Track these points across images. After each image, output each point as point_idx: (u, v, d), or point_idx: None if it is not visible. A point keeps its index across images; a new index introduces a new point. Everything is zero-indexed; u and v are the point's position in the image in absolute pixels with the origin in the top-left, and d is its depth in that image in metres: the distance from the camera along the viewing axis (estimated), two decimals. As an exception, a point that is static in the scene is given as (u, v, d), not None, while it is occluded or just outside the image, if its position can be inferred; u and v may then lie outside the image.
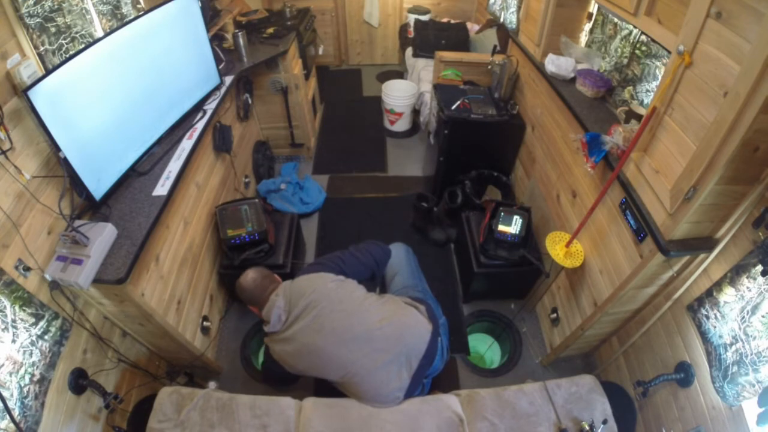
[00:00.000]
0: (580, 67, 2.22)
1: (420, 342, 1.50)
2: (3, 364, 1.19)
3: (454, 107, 2.55)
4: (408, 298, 1.64)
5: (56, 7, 1.53)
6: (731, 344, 1.28)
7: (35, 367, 1.30)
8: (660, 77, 1.77)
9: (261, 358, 2.15)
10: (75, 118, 1.46)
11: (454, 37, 3.71)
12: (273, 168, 3.39)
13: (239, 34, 2.61)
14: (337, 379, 1.46)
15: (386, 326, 1.46)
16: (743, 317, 1.24)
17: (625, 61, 2.05)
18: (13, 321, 1.24)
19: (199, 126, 2.13)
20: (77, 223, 1.47)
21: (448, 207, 2.72)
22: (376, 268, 1.74)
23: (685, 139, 1.29)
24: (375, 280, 1.84)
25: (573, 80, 2.21)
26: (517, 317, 2.42)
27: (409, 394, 1.49)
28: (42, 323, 1.34)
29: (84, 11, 1.70)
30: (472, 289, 2.38)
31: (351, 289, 1.54)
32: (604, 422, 1.45)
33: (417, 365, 1.48)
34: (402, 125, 3.83)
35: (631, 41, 2.01)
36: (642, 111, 1.78)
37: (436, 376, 1.66)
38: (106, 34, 1.59)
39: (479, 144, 2.68)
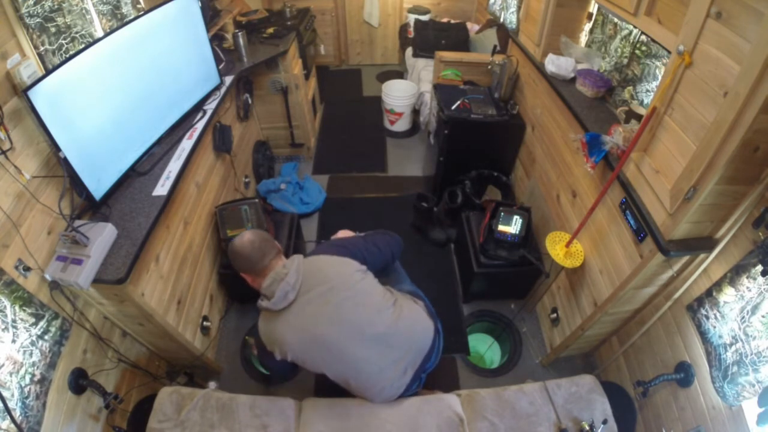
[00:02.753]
0: (580, 67, 2.22)
1: (426, 340, 1.49)
2: (3, 365, 1.19)
3: (454, 107, 2.55)
4: (408, 294, 1.60)
5: (56, 7, 1.53)
6: (731, 344, 1.28)
7: (35, 367, 1.30)
8: (660, 77, 1.77)
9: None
10: (75, 118, 1.46)
11: (454, 37, 3.71)
12: (273, 168, 3.39)
13: (239, 34, 2.61)
14: (337, 375, 1.38)
15: (401, 325, 1.41)
16: (743, 317, 1.24)
17: (625, 61, 2.05)
18: (13, 321, 1.24)
19: (199, 126, 2.13)
20: (77, 223, 1.47)
21: (448, 207, 2.72)
22: (391, 262, 1.65)
23: (685, 139, 1.29)
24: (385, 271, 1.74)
25: (573, 80, 2.21)
26: (517, 317, 2.42)
27: (407, 390, 1.48)
28: (42, 323, 1.34)
29: (84, 11, 1.70)
30: (472, 289, 2.38)
31: (373, 284, 1.43)
32: (604, 422, 1.45)
33: (420, 363, 1.47)
34: (402, 125, 3.83)
35: (631, 41, 2.01)
36: (642, 111, 1.78)
37: (431, 372, 1.64)
38: (106, 34, 1.59)
39: (479, 144, 2.68)
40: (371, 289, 1.40)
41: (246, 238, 1.37)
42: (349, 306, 1.33)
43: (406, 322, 1.44)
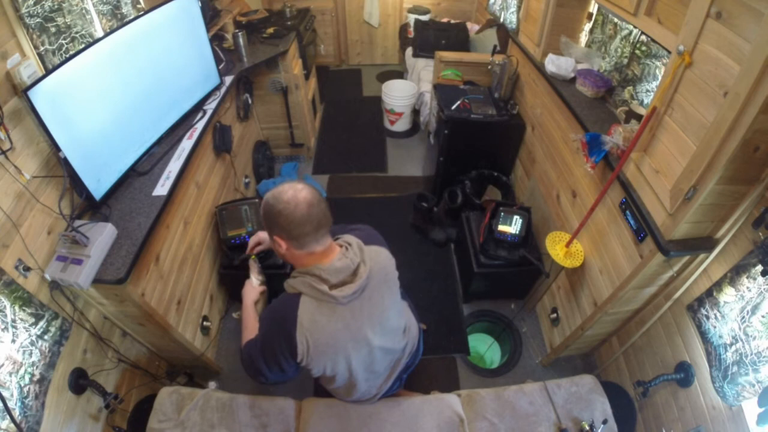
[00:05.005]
0: (580, 67, 2.22)
1: (415, 342, 1.49)
2: (3, 364, 1.19)
3: (454, 107, 2.55)
4: None
5: (56, 7, 1.53)
6: (731, 344, 1.28)
7: (35, 367, 1.30)
8: (660, 77, 1.77)
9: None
10: (75, 118, 1.46)
11: (454, 37, 3.71)
12: (273, 168, 3.39)
13: (239, 34, 2.61)
14: (346, 377, 1.26)
15: (407, 335, 1.40)
16: (743, 317, 1.24)
17: (625, 61, 2.05)
18: (13, 321, 1.24)
19: (199, 126, 2.13)
20: (77, 223, 1.47)
21: (448, 207, 2.72)
22: None
23: (685, 139, 1.29)
24: None
25: (573, 80, 2.21)
26: (517, 317, 2.42)
27: (389, 390, 1.46)
28: (42, 323, 1.34)
29: (84, 11, 1.70)
30: (472, 289, 2.38)
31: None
32: (604, 422, 1.45)
33: (404, 364, 1.45)
34: (402, 125, 3.83)
35: (631, 41, 2.01)
36: (642, 111, 1.78)
37: (424, 372, 1.61)
38: (106, 34, 1.59)
39: (479, 144, 2.68)
40: (400, 297, 1.31)
41: (303, 195, 1.01)
42: (394, 315, 1.23)
43: (410, 332, 1.43)
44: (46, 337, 1.35)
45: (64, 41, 1.58)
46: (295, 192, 1.02)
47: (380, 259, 1.18)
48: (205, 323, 2.10)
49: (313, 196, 1.03)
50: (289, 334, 1.06)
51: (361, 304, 1.11)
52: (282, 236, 1.06)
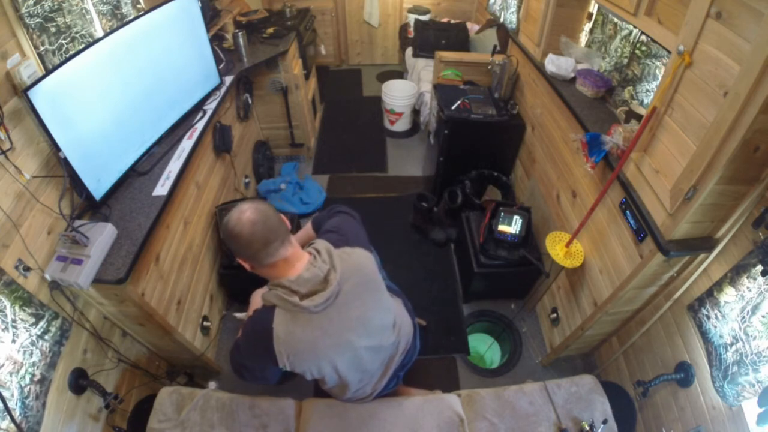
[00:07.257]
0: (580, 67, 2.22)
1: (409, 339, 1.48)
2: (3, 364, 1.19)
3: (454, 107, 2.55)
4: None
5: (56, 7, 1.53)
6: (731, 344, 1.28)
7: (35, 367, 1.30)
8: (660, 77, 1.77)
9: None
10: (75, 118, 1.46)
11: (454, 37, 3.71)
12: (273, 168, 3.39)
13: (239, 34, 2.62)
14: (336, 379, 1.27)
15: (398, 332, 1.38)
16: (743, 317, 1.24)
17: (625, 61, 2.05)
18: (13, 321, 1.24)
19: (199, 126, 2.13)
20: (77, 223, 1.47)
21: (448, 207, 2.72)
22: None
23: (685, 139, 1.29)
24: None
25: (573, 80, 2.21)
26: (517, 317, 2.43)
27: (385, 388, 1.46)
28: (42, 323, 1.34)
29: (84, 11, 1.70)
30: (472, 289, 2.38)
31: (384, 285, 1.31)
32: (604, 422, 1.45)
33: (399, 362, 1.44)
34: (402, 125, 3.83)
35: (631, 41, 2.01)
36: (642, 111, 1.79)
37: (420, 371, 1.58)
38: (106, 34, 1.59)
39: (479, 144, 2.68)
40: (386, 292, 1.29)
41: (246, 216, 1.03)
42: (378, 313, 1.22)
43: (402, 328, 1.42)
44: (46, 337, 1.35)
45: (64, 41, 1.58)
46: (240, 214, 1.04)
47: (353, 261, 1.17)
48: (205, 323, 2.10)
49: (258, 215, 1.04)
50: (266, 347, 1.09)
51: (337, 309, 1.11)
52: (241, 258, 1.10)
